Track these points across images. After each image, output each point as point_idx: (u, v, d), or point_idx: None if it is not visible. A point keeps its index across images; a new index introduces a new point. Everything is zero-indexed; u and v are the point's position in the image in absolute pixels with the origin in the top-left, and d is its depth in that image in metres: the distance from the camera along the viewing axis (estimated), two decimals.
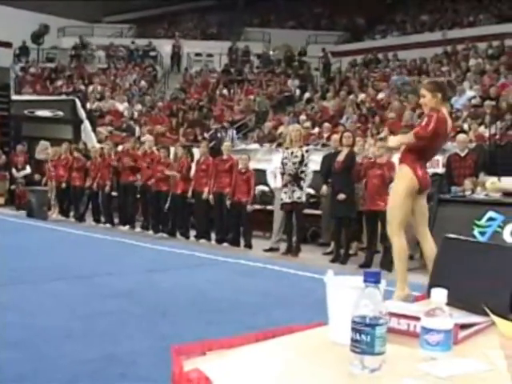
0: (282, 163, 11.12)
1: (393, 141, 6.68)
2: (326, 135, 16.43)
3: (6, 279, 7.20)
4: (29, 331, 4.94)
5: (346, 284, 1.79)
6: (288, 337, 1.88)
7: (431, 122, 6.18)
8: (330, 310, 1.81)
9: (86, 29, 32.35)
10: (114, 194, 15.24)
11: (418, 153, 6.32)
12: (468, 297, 1.96)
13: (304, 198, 11.07)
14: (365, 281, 1.58)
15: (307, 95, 24.10)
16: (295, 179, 10.90)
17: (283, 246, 11.34)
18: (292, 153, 11.04)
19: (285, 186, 11.02)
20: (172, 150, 14.58)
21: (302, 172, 10.95)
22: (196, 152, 14.10)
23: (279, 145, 14.49)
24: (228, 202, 12.12)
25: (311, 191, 12.29)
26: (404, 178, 6.31)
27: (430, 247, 6.25)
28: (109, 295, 6.58)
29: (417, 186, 6.30)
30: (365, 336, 1.52)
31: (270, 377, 1.55)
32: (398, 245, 6.34)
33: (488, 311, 1.54)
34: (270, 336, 1.87)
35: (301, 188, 10.95)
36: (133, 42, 30.93)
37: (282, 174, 11.14)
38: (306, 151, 11.21)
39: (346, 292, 1.72)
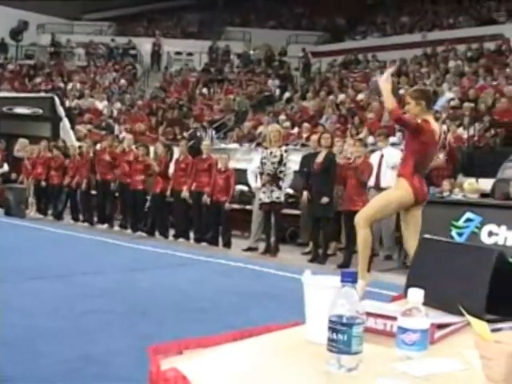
0: (261, 163, 11.13)
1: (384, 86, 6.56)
2: (305, 135, 16.47)
3: None
4: (5, 331, 4.91)
5: (323, 284, 1.80)
6: (265, 336, 1.89)
7: (422, 127, 6.23)
8: (307, 309, 1.82)
9: (65, 26, 32.13)
10: (93, 192, 15.16)
11: (415, 166, 6.31)
12: (444, 297, 1.98)
13: (283, 198, 11.09)
14: (342, 280, 1.59)
15: (287, 95, 24.12)
16: (274, 179, 10.91)
17: (262, 246, 11.34)
18: (271, 153, 11.04)
19: (263, 185, 11.03)
20: (152, 148, 14.54)
21: (281, 172, 10.96)
22: (176, 151, 14.06)
23: (258, 144, 14.49)
24: (208, 199, 12.07)
25: (290, 191, 12.31)
26: (400, 189, 6.29)
27: None
28: (87, 294, 6.55)
29: (412, 199, 6.31)
30: (341, 335, 1.53)
31: (246, 376, 1.55)
32: (365, 232, 6.38)
33: (463, 311, 1.55)
34: (248, 335, 1.87)
35: (280, 188, 10.97)
36: (112, 40, 30.78)
37: (261, 173, 11.15)
38: (285, 151, 11.23)
39: (323, 292, 1.72)
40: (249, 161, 13.29)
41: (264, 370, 1.59)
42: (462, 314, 1.61)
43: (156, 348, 1.66)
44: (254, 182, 11.99)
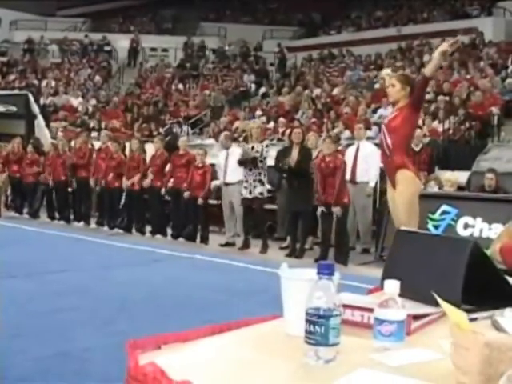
0: (241, 160, 11.13)
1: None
2: (281, 130, 16.50)
3: None
4: None
5: (300, 276, 1.80)
6: (243, 330, 1.89)
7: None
8: (285, 302, 1.83)
9: (38, 22, 31.88)
10: (69, 189, 15.07)
11: (407, 151, 6.34)
12: (420, 288, 1.99)
13: (266, 194, 11.11)
14: (318, 273, 1.59)
15: (263, 90, 24.12)
16: (257, 174, 10.94)
17: (239, 241, 11.36)
18: (253, 148, 11.06)
19: (245, 181, 11.05)
20: (127, 145, 14.48)
21: (262, 167, 11.01)
22: (150, 147, 14.00)
23: (234, 140, 14.47)
24: (186, 194, 12.01)
25: (268, 186, 12.32)
26: (408, 184, 6.22)
27: None
28: (63, 292, 6.53)
29: (420, 184, 6.37)
30: (319, 327, 1.54)
31: (225, 369, 1.55)
32: None
33: (439, 300, 1.56)
34: (226, 329, 1.87)
35: (262, 184, 10.99)
36: (86, 36, 30.59)
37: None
38: (266, 146, 11.24)
39: (300, 284, 1.73)
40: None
41: (243, 364, 1.59)
42: (438, 305, 1.61)
43: (134, 343, 1.66)
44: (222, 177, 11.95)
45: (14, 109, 23.25)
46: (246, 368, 1.56)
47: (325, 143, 10.36)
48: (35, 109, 23.21)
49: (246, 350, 1.69)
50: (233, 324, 1.90)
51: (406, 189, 6.25)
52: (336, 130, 14.22)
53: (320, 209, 10.31)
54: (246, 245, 11.15)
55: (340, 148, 12.05)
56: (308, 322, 1.55)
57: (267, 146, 11.28)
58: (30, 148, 16.54)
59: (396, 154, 6.28)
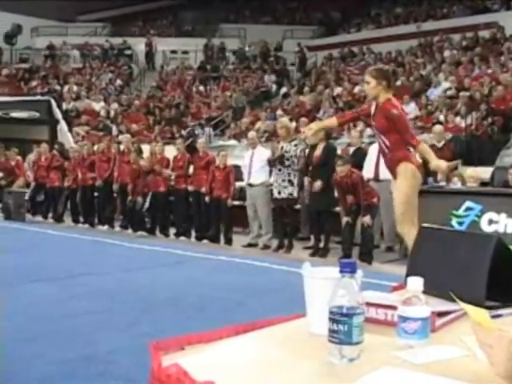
0: (271, 159, 11.11)
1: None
2: (303, 130, 16.44)
3: None
4: (5, 332, 4.90)
5: (322, 275, 1.80)
6: (267, 329, 1.89)
7: (401, 114, 6.24)
8: (308, 301, 1.82)
9: (59, 28, 32.09)
10: (95, 194, 15.14)
11: (405, 145, 6.30)
12: (444, 285, 1.97)
13: (296, 194, 11.05)
14: (341, 271, 1.59)
15: (284, 90, 24.12)
16: (286, 174, 10.91)
17: (262, 242, 11.37)
18: (282, 148, 11.05)
19: (275, 181, 11.03)
20: (147, 147, 14.51)
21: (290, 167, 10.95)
22: (172, 150, 14.03)
23: (268, 140, 14.44)
24: (206, 198, 12.07)
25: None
26: (409, 178, 6.20)
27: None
28: (88, 295, 6.56)
29: (420, 176, 6.33)
30: (342, 326, 1.53)
31: (249, 369, 1.55)
32: (412, 234, 6.26)
33: (458, 301, 1.55)
34: (249, 329, 1.87)
35: (292, 184, 10.94)
36: (107, 41, 30.74)
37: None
38: (295, 145, 11.19)
39: (323, 283, 1.72)
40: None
41: (266, 363, 1.59)
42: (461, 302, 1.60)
43: (157, 344, 1.66)
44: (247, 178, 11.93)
45: (37, 114, 23.44)
46: (270, 368, 1.55)
47: (338, 166, 10.25)
48: (58, 114, 23.38)
49: (269, 350, 1.69)
50: (256, 324, 1.90)
51: (405, 181, 6.24)
52: (358, 128, 14.13)
53: (345, 219, 10.25)
54: (281, 246, 11.10)
55: (363, 146, 12.04)
56: (331, 320, 1.55)
57: (296, 145, 11.22)
58: (54, 153, 16.67)
59: (396, 150, 6.26)
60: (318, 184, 10.46)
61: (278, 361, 1.60)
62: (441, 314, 1.84)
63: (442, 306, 1.90)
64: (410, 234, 6.22)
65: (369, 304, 1.77)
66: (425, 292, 1.68)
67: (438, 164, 6.39)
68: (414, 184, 6.25)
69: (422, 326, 1.64)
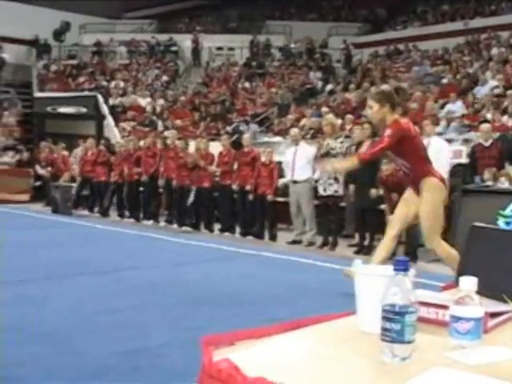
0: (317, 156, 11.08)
1: (339, 165, 6.57)
2: (348, 127, 16.39)
3: (32, 275, 7.26)
4: (55, 325, 4.98)
5: (375, 272, 1.79)
6: (316, 327, 1.89)
7: (377, 146, 6.12)
8: (359, 298, 1.81)
9: (106, 25, 32.42)
10: (141, 188, 15.28)
11: (425, 161, 6.16)
12: (495, 285, 1.95)
13: (341, 192, 11.01)
14: (395, 269, 1.58)
15: (329, 87, 24.04)
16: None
17: (306, 239, 11.35)
18: (327, 145, 11.02)
19: (321, 178, 11.01)
20: (193, 143, 14.58)
21: None
22: (218, 146, 14.09)
23: (302, 137, 14.43)
24: (250, 196, 12.11)
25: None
26: (431, 190, 6.08)
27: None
28: (135, 289, 6.61)
29: (445, 190, 6.26)
30: (394, 324, 1.52)
31: (300, 366, 1.55)
32: (442, 249, 6.18)
33: (508, 300, 1.54)
34: (298, 326, 1.87)
35: (337, 181, 10.90)
36: (153, 37, 30.95)
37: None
38: (341, 142, 11.15)
39: (375, 280, 1.71)
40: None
41: (316, 360, 1.59)
42: None
43: (208, 339, 1.67)
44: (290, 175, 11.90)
45: (84, 110, 23.78)
46: (320, 365, 1.55)
47: (383, 164, 10.17)
48: (104, 109, 23.66)
49: (319, 347, 1.69)
50: (305, 321, 1.90)
51: (429, 195, 6.10)
52: None
53: (391, 217, 10.17)
54: (325, 243, 11.09)
55: None
56: (384, 318, 1.54)
57: (341, 142, 11.19)
58: (100, 148, 16.86)
59: (416, 169, 6.13)
60: (373, 192, 10.41)
61: (328, 358, 1.60)
62: (493, 315, 1.82)
63: (495, 306, 1.88)
64: (439, 248, 6.16)
65: (420, 303, 1.76)
66: (477, 292, 1.66)
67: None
68: (438, 197, 6.16)
69: (475, 326, 1.62)
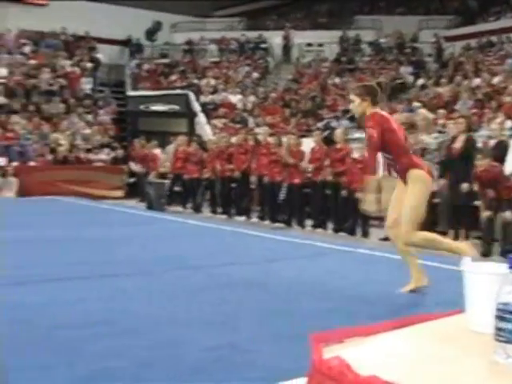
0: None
1: (368, 198, 6.39)
2: (441, 122, 16.15)
3: (127, 269, 7.41)
4: (148, 319, 5.06)
5: (487, 270, 1.77)
6: (425, 325, 1.89)
7: (370, 148, 6.04)
8: (469, 297, 1.80)
9: (197, 24, 32.79)
10: (232, 185, 15.42)
11: (406, 153, 6.07)
12: None
13: (435, 187, 10.86)
14: (510, 267, 1.55)
15: (421, 82, 23.70)
16: None
17: None
18: (423, 140, 10.93)
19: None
20: (284, 139, 14.63)
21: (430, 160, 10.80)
22: (309, 142, 14.10)
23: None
24: (343, 192, 12.08)
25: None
26: (416, 181, 5.97)
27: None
28: (228, 284, 6.66)
29: (430, 179, 6.15)
30: (509, 324, 1.51)
31: (411, 365, 1.55)
32: (418, 238, 6.04)
33: None
34: (407, 324, 1.88)
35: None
36: (243, 35, 31.14)
37: None
38: (435, 138, 11.03)
39: (487, 278, 1.70)
40: None
41: (427, 359, 1.59)
42: None
43: (317, 336, 1.70)
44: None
45: (176, 108, 24.15)
46: (431, 363, 1.55)
47: (478, 160, 10.00)
48: (196, 107, 23.97)
49: (429, 345, 1.69)
50: (414, 319, 1.91)
51: (418, 188, 5.98)
52: (498, 120, 13.73)
53: (486, 214, 10.01)
54: None
55: (505, 138, 11.71)
56: (498, 318, 1.53)
57: (436, 137, 11.05)
58: (193, 144, 17.10)
59: (401, 159, 6.05)
60: (464, 186, 10.25)
61: (439, 357, 1.60)
62: None
63: None
64: (416, 240, 5.98)
65: None
66: None
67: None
68: (423, 189, 6.01)
69: None
